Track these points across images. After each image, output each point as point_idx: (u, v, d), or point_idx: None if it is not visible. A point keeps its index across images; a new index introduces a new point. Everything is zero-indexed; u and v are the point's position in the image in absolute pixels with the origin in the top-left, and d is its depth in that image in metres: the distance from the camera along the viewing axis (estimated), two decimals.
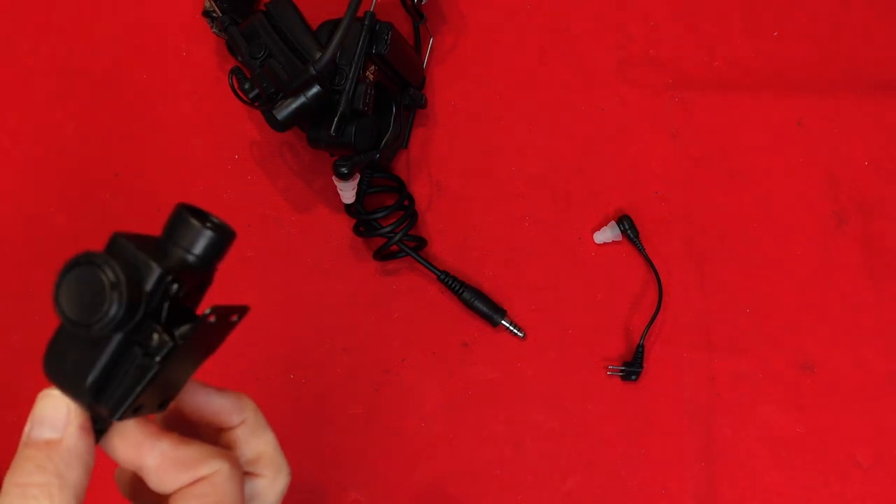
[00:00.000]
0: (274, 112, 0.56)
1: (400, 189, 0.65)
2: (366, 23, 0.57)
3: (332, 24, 0.60)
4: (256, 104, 0.57)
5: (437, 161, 0.67)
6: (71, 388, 0.26)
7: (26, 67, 0.71)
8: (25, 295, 0.66)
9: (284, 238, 0.66)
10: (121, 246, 0.27)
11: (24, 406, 0.69)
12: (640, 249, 0.64)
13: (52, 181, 0.69)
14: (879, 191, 0.65)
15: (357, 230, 0.65)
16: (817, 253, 0.64)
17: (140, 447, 0.28)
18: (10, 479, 0.26)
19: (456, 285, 0.63)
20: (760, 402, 0.62)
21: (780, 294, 0.64)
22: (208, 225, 0.28)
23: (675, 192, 0.66)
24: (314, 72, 0.53)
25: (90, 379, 0.26)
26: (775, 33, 0.69)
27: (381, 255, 0.64)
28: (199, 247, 0.28)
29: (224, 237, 0.28)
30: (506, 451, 0.62)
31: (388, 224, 0.63)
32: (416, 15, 0.65)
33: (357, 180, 0.61)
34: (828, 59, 0.68)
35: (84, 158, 0.69)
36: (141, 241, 0.28)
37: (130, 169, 0.68)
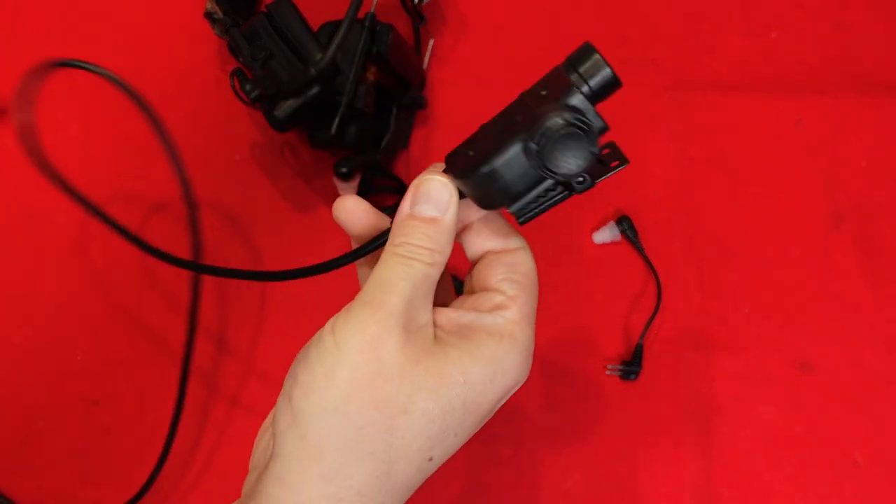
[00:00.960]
0: (275, 113, 0.56)
1: (400, 189, 0.65)
2: (366, 24, 0.57)
3: (333, 26, 0.60)
4: (257, 105, 0.58)
5: (437, 161, 0.67)
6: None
7: (28, 67, 0.71)
8: (27, 294, 0.67)
9: (285, 238, 0.67)
10: (584, 106, 0.32)
11: (25, 405, 0.69)
12: (640, 250, 0.64)
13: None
14: (878, 192, 0.65)
15: None
16: (815, 253, 0.65)
17: (470, 208, 0.34)
18: (400, 238, 0.32)
19: (456, 285, 0.63)
20: (759, 401, 0.62)
21: (779, 294, 0.64)
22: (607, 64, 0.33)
23: (674, 193, 0.66)
24: (315, 73, 0.53)
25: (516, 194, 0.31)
26: (774, 34, 0.69)
27: None
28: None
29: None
30: (506, 450, 0.62)
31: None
32: (417, 16, 0.66)
33: (357, 181, 0.61)
34: (827, 61, 0.68)
35: (86, 158, 0.69)
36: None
37: (131, 169, 0.69)
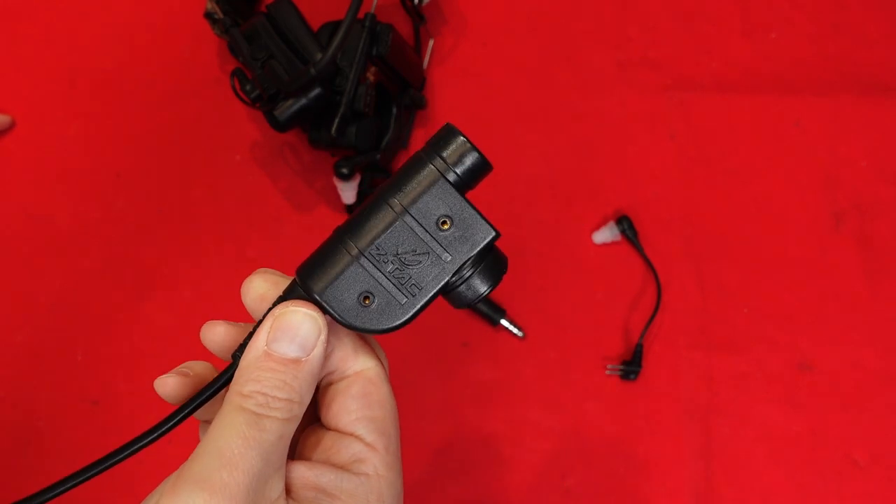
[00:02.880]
0: (275, 113, 0.56)
1: None
2: (366, 24, 0.57)
3: (333, 26, 0.60)
4: (258, 105, 0.58)
5: None
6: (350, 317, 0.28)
7: (29, 68, 0.71)
8: (27, 294, 0.67)
9: (285, 238, 0.67)
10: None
11: (25, 405, 0.69)
12: (639, 250, 0.64)
13: (54, 181, 0.69)
14: (877, 191, 0.66)
15: None
16: (815, 253, 0.65)
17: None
18: (249, 384, 0.26)
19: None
20: (758, 401, 0.62)
21: (778, 294, 0.64)
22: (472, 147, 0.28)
23: (673, 193, 0.66)
24: (315, 73, 0.53)
25: (405, 320, 0.28)
26: (773, 34, 0.69)
27: None
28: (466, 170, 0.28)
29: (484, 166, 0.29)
30: (506, 450, 0.62)
31: None
32: (417, 17, 0.66)
33: (358, 181, 0.61)
34: (826, 61, 0.68)
35: (86, 158, 0.69)
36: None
37: (132, 169, 0.69)
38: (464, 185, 0.28)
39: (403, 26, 0.66)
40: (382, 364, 0.30)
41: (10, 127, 0.69)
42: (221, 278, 0.66)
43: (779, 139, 0.67)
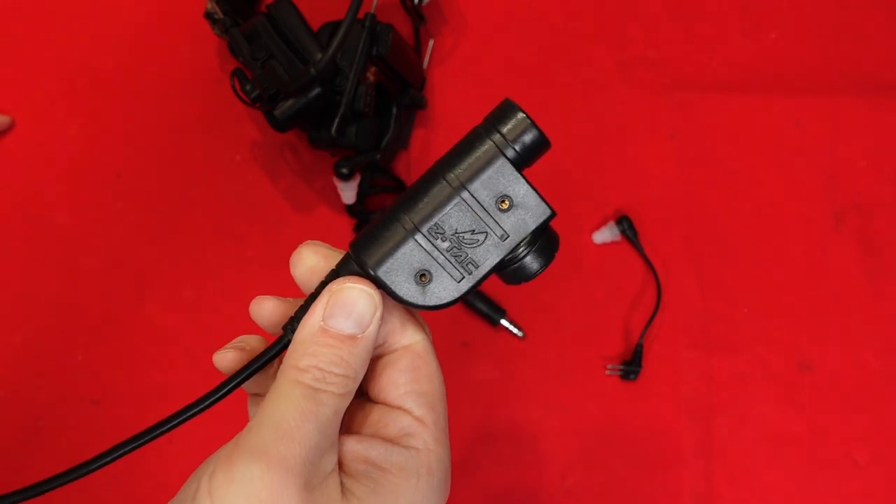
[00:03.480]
0: (275, 113, 0.56)
1: (400, 189, 0.65)
2: (366, 24, 0.57)
3: (333, 26, 0.60)
4: (258, 105, 0.58)
5: None
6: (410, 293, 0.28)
7: (30, 68, 0.71)
8: (27, 294, 0.67)
9: (285, 238, 0.67)
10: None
11: (25, 405, 0.69)
12: (639, 250, 0.64)
13: (54, 181, 0.69)
14: (877, 191, 0.66)
15: (358, 230, 0.65)
16: (815, 253, 0.65)
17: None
18: (306, 359, 0.26)
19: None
20: (758, 401, 0.62)
21: (778, 294, 0.64)
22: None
23: (673, 193, 0.66)
24: (315, 73, 0.53)
25: (457, 297, 0.28)
26: (773, 35, 0.69)
27: None
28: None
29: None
30: (506, 450, 0.62)
31: None
32: (417, 17, 0.66)
33: (358, 181, 0.61)
34: (826, 61, 0.68)
35: (86, 158, 0.69)
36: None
37: (132, 169, 0.69)
38: (522, 163, 0.28)
39: (403, 26, 0.66)
40: (429, 338, 0.30)
41: (10, 127, 0.69)
42: (221, 278, 0.66)
43: (779, 139, 0.67)
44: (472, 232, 0.27)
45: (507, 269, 0.28)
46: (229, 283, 0.66)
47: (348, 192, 0.62)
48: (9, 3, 0.72)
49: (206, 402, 0.29)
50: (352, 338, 0.27)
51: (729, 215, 0.66)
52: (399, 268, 0.27)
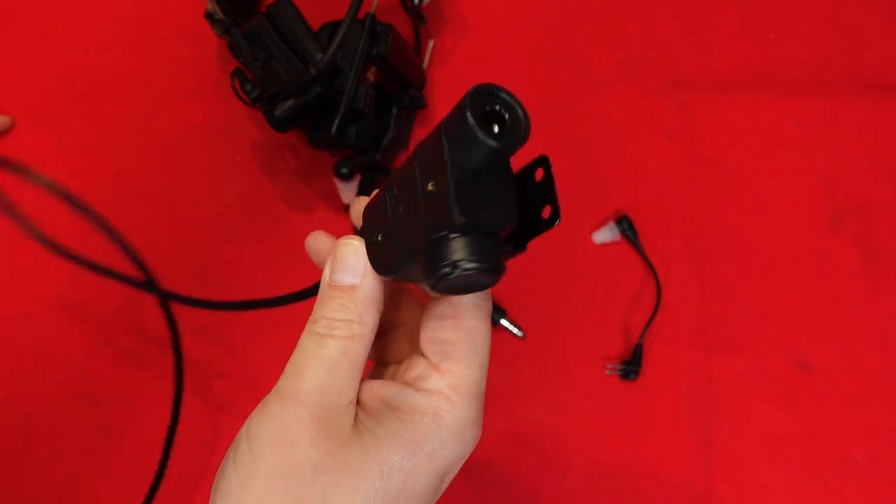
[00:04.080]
0: (275, 113, 0.56)
1: None
2: (366, 24, 0.57)
3: (333, 26, 0.60)
4: (258, 105, 0.58)
5: None
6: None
7: (29, 67, 0.71)
8: (27, 294, 0.67)
9: (285, 238, 0.67)
10: (472, 226, 0.25)
11: (25, 405, 0.69)
12: (639, 250, 0.64)
13: (54, 181, 0.69)
14: (876, 191, 0.66)
15: (358, 230, 0.65)
16: (814, 253, 0.65)
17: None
18: (317, 311, 0.30)
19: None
20: (758, 400, 0.62)
21: (778, 294, 0.64)
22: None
23: (673, 193, 0.66)
24: (315, 73, 0.54)
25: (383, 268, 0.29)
26: (773, 35, 0.69)
27: None
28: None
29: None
30: (506, 450, 0.62)
31: None
32: (417, 17, 0.66)
33: (358, 181, 0.62)
34: (825, 61, 0.68)
35: (86, 158, 0.69)
36: None
37: (132, 169, 0.69)
38: (479, 167, 0.25)
39: (403, 26, 0.66)
40: (478, 295, 0.30)
41: (10, 127, 0.69)
42: (221, 278, 0.66)
43: (779, 139, 0.67)
44: (404, 193, 0.27)
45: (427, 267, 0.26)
46: (229, 283, 0.66)
47: (348, 192, 0.62)
48: (9, 3, 0.72)
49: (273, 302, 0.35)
50: (352, 287, 0.30)
51: (729, 215, 0.66)
52: (370, 226, 0.30)
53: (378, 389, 0.30)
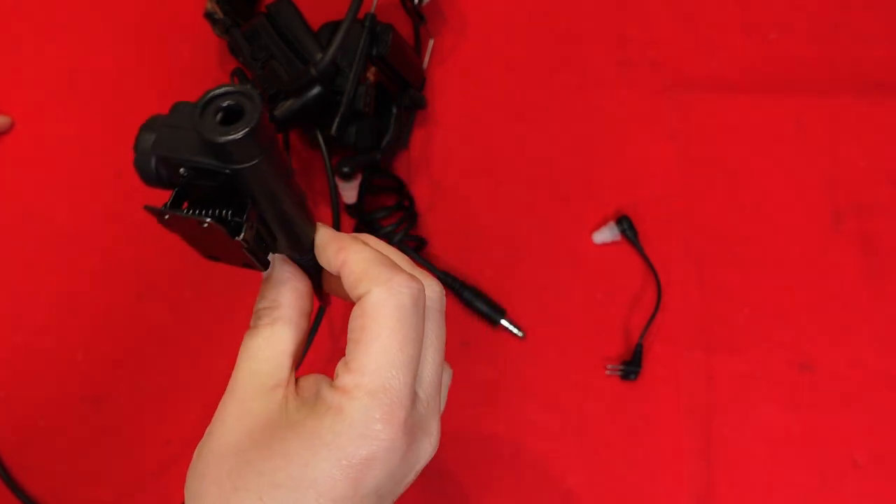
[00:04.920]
0: (275, 113, 0.56)
1: (400, 189, 0.65)
2: (366, 24, 0.57)
3: (333, 26, 0.60)
4: None
5: (437, 161, 0.67)
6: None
7: (29, 66, 0.71)
8: (27, 294, 0.67)
9: None
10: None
11: (25, 405, 0.69)
12: (639, 250, 0.64)
13: (53, 180, 0.69)
14: (877, 191, 0.66)
15: (358, 230, 0.65)
16: (815, 253, 0.65)
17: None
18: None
19: (456, 285, 0.63)
20: (759, 401, 0.62)
21: (779, 294, 0.64)
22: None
23: (673, 193, 0.66)
24: (315, 73, 0.54)
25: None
26: (774, 34, 0.69)
27: None
28: None
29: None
30: (506, 450, 0.62)
31: (389, 224, 0.63)
32: (417, 17, 0.66)
33: (359, 181, 0.61)
34: (826, 60, 0.68)
35: (86, 158, 0.69)
36: None
37: (132, 169, 0.68)
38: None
39: (403, 26, 0.66)
40: (385, 291, 0.30)
41: (10, 127, 0.69)
42: (222, 278, 0.66)
43: (779, 139, 0.67)
44: None
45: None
46: (229, 282, 0.66)
47: (349, 192, 0.62)
48: (9, 2, 0.72)
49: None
50: (265, 279, 0.34)
51: (729, 215, 0.66)
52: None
53: (318, 380, 0.31)
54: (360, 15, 0.56)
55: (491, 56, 0.70)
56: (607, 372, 0.63)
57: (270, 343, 0.32)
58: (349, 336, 0.30)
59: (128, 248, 0.67)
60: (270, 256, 0.32)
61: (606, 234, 0.65)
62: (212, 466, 0.29)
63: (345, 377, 0.29)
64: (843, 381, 0.62)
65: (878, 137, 0.67)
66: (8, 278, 0.67)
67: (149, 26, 0.71)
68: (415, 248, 0.64)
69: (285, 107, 0.56)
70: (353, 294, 0.31)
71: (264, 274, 0.33)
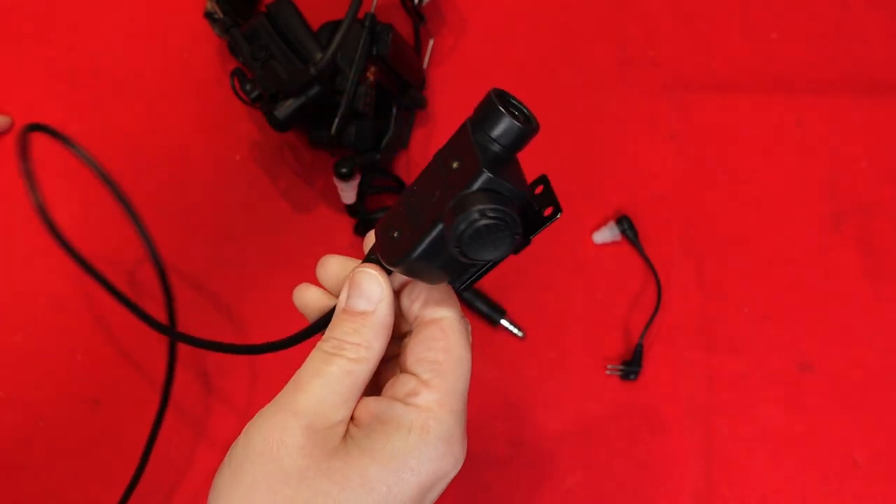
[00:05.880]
0: (275, 113, 0.56)
1: (400, 189, 0.65)
2: (366, 24, 0.57)
3: (333, 26, 0.60)
4: (257, 105, 0.58)
5: None
6: (398, 260, 0.30)
7: (29, 67, 0.71)
8: (27, 294, 0.67)
9: (285, 238, 0.67)
10: (496, 185, 0.28)
11: (25, 405, 0.69)
12: (640, 250, 0.64)
13: (54, 180, 0.69)
14: (877, 191, 0.66)
15: (358, 230, 0.65)
16: (815, 253, 0.65)
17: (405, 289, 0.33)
18: (329, 332, 0.32)
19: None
20: (759, 401, 0.62)
21: (779, 294, 0.64)
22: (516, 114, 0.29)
23: (673, 193, 0.66)
24: (315, 73, 0.54)
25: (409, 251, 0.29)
26: (774, 34, 0.69)
27: None
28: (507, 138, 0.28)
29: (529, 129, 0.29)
30: (506, 450, 0.62)
31: None
32: (417, 16, 0.66)
33: (358, 181, 0.61)
34: (826, 60, 0.68)
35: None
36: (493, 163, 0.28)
37: (132, 169, 0.69)
38: (508, 150, 0.28)
39: (403, 26, 0.66)
40: (459, 317, 0.33)
41: (10, 127, 0.69)
42: (221, 278, 0.66)
43: (779, 139, 0.67)
44: (426, 191, 0.29)
45: (451, 233, 0.27)
46: (229, 283, 0.66)
47: (348, 192, 0.62)
48: (9, 2, 0.72)
49: (275, 348, 0.35)
50: (364, 313, 0.31)
51: (729, 215, 0.66)
52: (383, 234, 0.31)
53: (370, 405, 0.31)
54: (360, 15, 0.56)
55: (491, 56, 0.70)
56: (607, 372, 0.63)
57: (351, 377, 0.31)
58: (424, 355, 0.31)
59: (127, 248, 0.67)
60: (378, 297, 0.31)
61: (606, 234, 0.65)
62: (264, 489, 0.28)
63: (427, 395, 0.30)
64: (843, 381, 0.62)
65: (878, 137, 0.67)
66: (8, 278, 0.67)
67: (149, 26, 0.71)
68: None
69: (285, 107, 0.56)
70: (423, 316, 0.32)
71: (367, 308, 0.31)
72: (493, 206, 0.26)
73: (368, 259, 0.33)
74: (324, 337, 0.31)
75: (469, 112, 0.30)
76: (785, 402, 0.62)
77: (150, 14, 0.71)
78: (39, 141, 0.70)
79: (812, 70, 0.68)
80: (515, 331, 0.63)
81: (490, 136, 0.28)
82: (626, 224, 0.64)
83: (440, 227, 0.28)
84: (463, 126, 0.29)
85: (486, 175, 0.27)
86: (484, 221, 0.26)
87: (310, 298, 0.35)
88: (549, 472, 0.62)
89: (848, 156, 0.66)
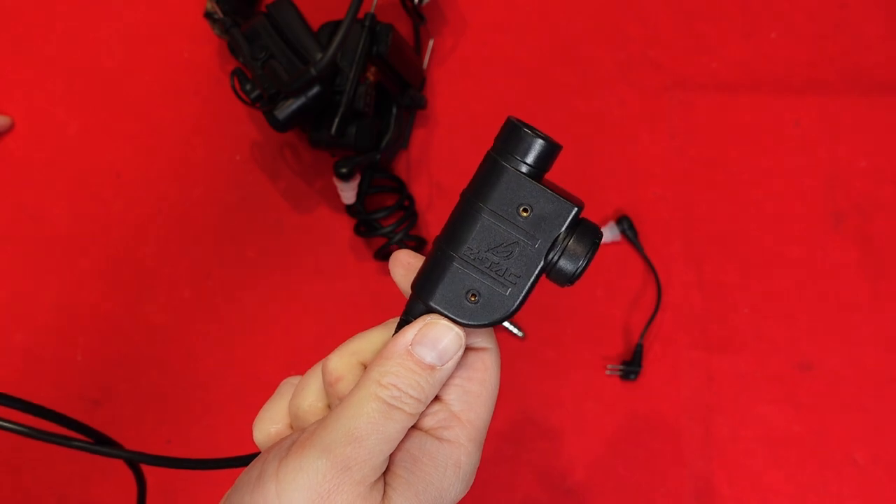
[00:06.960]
0: (275, 113, 0.56)
1: (400, 189, 0.65)
2: (366, 24, 0.57)
3: (333, 26, 0.60)
4: (258, 105, 0.58)
5: (437, 161, 0.67)
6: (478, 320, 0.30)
7: (30, 67, 0.71)
8: (27, 294, 0.67)
9: (285, 238, 0.67)
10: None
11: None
12: (639, 250, 0.64)
13: (54, 181, 0.69)
14: (876, 191, 0.66)
15: (358, 230, 0.65)
16: (815, 253, 0.65)
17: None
18: (391, 378, 0.29)
19: None
20: (758, 401, 0.62)
21: (778, 294, 0.64)
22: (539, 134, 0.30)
23: (673, 193, 0.66)
24: (315, 73, 0.54)
25: (512, 309, 0.30)
26: (774, 34, 0.69)
27: (382, 254, 0.64)
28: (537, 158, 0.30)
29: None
30: (506, 450, 0.62)
31: (389, 224, 0.63)
32: (417, 17, 0.66)
33: (358, 181, 0.61)
34: (826, 61, 0.68)
35: (86, 159, 0.69)
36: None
37: (132, 169, 0.69)
38: (537, 171, 0.30)
39: (403, 26, 0.66)
40: (496, 350, 0.32)
41: (10, 127, 0.69)
42: (221, 278, 0.66)
43: (779, 139, 0.67)
44: (504, 244, 0.29)
45: (551, 273, 0.29)
46: (229, 283, 0.66)
47: (348, 192, 0.62)
48: (9, 3, 0.72)
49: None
50: (431, 367, 0.29)
51: (729, 215, 0.66)
52: (450, 294, 0.30)
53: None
54: (360, 15, 0.56)
55: (491, 56, 0.70)
56: (607, 372, 0.63)
57: (404, 432, 0.29)
58: (459, 383, 0.30)
59: (127, 249, 0.67)
60: (448, 357, 0.30)
61: (606, 234, 0.65)
62: None
63: (458, 431, 0.30)
64: (842, 380, 0.62)
65: (878, 137, 0.67)
66: (8, 278, 0.67)
67: (149, 27, 0.71)
68: (415, 247, 0.64)
69: (285, 107, 0.56)
70: (468, 343, 0.31)
71: (434, 364, 0.29)
72: (596, 236, 0.30)
73: (413, 310, 0.31)
74: (379, 374, 0.29)
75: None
76: (785, 401, 0.62)
77: (150, 14, 0.71)
78: (38, 141, 0.70)
79: (812, 70, 0.68)
80: (515, 331, 0.63)
81: (525, 162, 0.29)
82: (626, 224, 0.64)
83: (539, 272, 0.29)
84: (492, 159, 0.30)
85: (577, 205, 0.30)
86: (594, 251, 0.29)
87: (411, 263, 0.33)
88: (549, 472, 0.62)
89: (847, 156, 0.66)
